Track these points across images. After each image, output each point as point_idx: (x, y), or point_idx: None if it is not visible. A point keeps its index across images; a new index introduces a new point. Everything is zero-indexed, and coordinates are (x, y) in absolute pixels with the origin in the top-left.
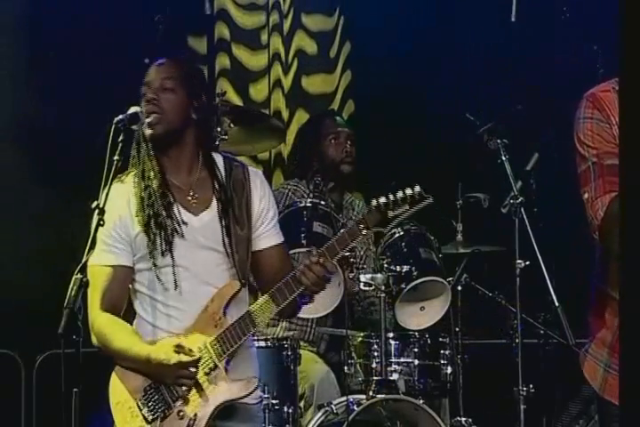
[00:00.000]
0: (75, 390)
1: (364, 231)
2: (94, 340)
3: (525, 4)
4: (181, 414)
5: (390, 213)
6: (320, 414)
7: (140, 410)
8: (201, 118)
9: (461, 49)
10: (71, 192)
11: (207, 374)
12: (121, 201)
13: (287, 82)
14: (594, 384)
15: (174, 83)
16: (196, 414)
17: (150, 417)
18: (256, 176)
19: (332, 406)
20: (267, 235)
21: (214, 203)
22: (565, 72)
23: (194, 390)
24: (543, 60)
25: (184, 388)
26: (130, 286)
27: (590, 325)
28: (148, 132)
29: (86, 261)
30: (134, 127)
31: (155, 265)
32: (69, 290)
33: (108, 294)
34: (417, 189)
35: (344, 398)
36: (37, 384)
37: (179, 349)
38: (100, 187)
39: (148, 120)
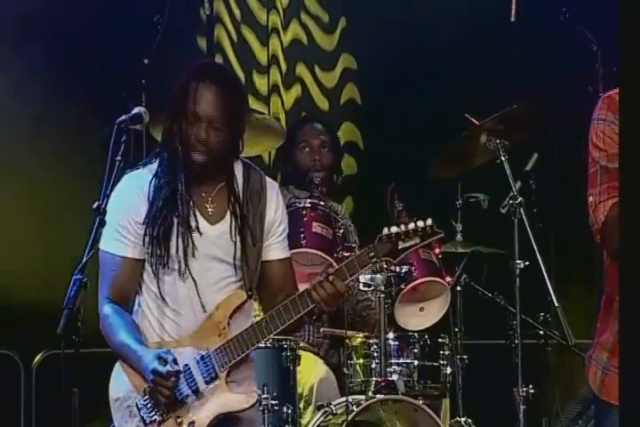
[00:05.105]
0: (74, 390)
1: (374, 260)
2: (100, 326)
3: (525, 3)
4: (179, 420)
5: (401, 245)
6: (319, 414)
7: (139, 410)
8: (236, 146)
9: (461, 49)
10: (72, 192)
11: (207, 383)
12: (134, 193)
13: (288, 99)
14: (593, 387)
15: (223, 121)
16: (193, 422)
17: (148, 419)
18: (272, 188)
19: (332, 406)
20: (275, 247)
21: (228, 215)
22: (565, 72)
23: (194, 398)
24: (543, 60)
25: (185, 394)
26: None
27: (597, 328)
28: (191, 166)
29: (86, 262)
30: (138, 127)
31: (159, 270)
32: (69, 290)
33: (117, 284)
34: (429, 222)
35: (343, 399)
36: (37, 384)
37: (162, 360)
38: (102, 187)
39: (195, 155)
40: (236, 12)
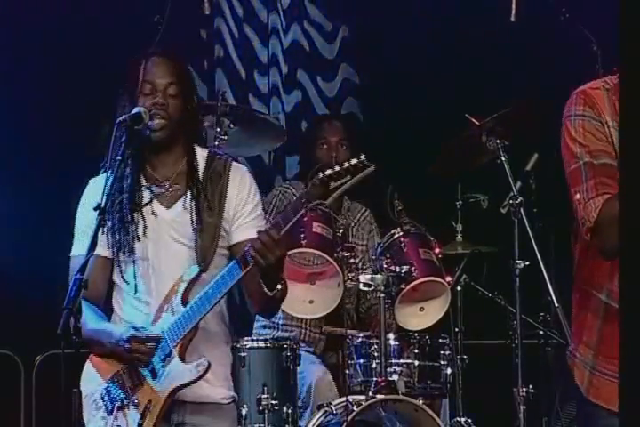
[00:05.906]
0: (74, 390)
1: (306, 205)
2: None
3: (525, 3)
4: (136, 402)
5: (332, 185)
6: (320, 414)
7: (103, 400)
8: (192, 120)
9: (461, 49)
10: (72, 193)
11: (163, 360)
12: (95, 194)
13: (288, 101)
14: (580, 386)
15: (178, 89)
16: (150, 401)
17: (110, 407)
18: (237, 170)
19: (332, 406)
20: (245, 227)
21: (187, 194)
22: (565, 72)
23: (149, 378)
24: (543, 60)
25: (143, 375)
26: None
27: (574, 326)
28: (151, 135)
29: (86, 262)
30: (137, 127)
31: (119, 261)
32: (69, 290)
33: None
34: (361, 157)
35: (343, 399)
36: (37, 385)
37: (136, 329)
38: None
39: (153, 123)
40: (239, 11)
